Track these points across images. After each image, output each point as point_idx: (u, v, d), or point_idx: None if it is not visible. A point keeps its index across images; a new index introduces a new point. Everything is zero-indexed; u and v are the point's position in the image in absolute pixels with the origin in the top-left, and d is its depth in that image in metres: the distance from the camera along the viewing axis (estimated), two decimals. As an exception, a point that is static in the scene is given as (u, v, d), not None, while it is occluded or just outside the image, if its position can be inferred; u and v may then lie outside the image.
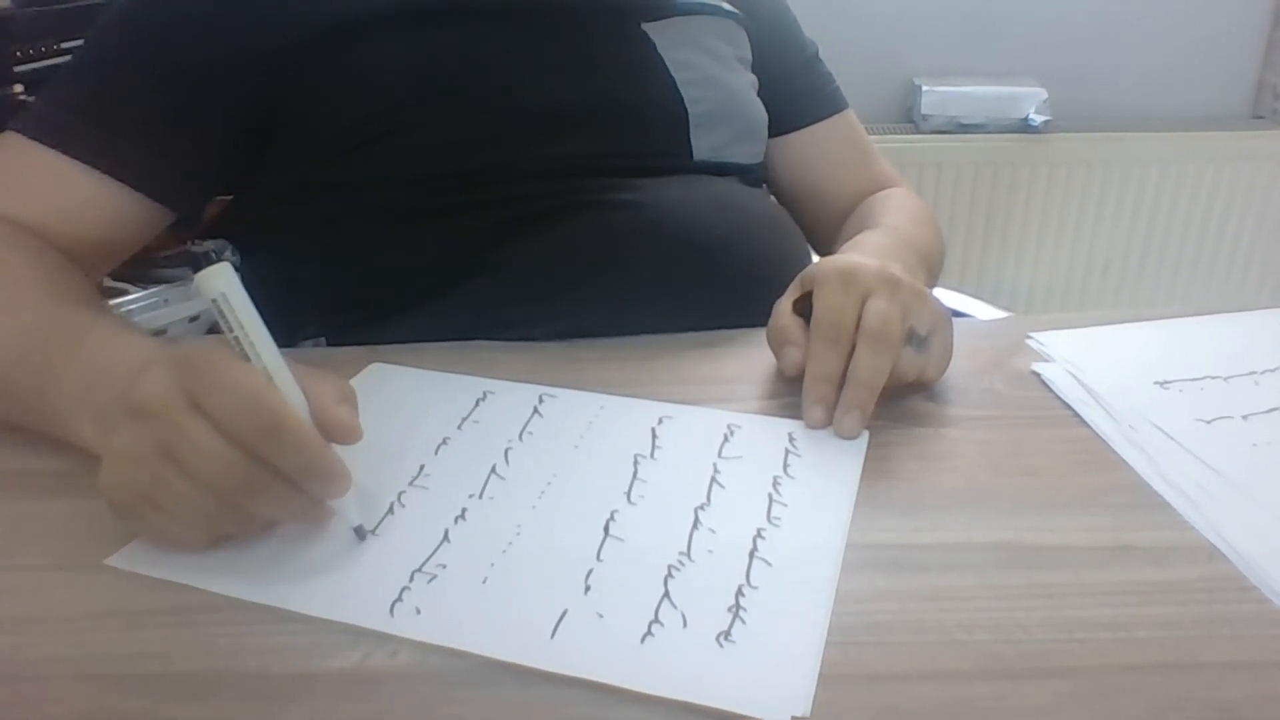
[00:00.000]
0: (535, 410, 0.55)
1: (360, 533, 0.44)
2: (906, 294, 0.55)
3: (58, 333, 0.52)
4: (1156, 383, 0.58)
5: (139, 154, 0.64)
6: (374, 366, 0.60)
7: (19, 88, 1.29)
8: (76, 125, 0.63)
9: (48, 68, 1.35)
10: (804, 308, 0.57)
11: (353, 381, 0.58)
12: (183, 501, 0.40)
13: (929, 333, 0.55)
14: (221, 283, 0.40)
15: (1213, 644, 0.38)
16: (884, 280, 0.55)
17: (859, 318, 0.53)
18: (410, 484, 0.48)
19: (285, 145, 0.69)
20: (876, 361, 0.52)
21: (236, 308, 0.41)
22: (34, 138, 0.63)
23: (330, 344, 0.68)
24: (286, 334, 0.67)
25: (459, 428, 0.53)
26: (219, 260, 0.42)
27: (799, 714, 0.34)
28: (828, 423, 0.53)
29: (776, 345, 0.58)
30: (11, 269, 0.57)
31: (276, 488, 0.40)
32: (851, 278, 0.55)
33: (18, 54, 1.31)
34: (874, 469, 0.50)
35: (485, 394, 0.57)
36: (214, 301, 0.41)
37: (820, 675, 0.36)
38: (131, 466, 0.41)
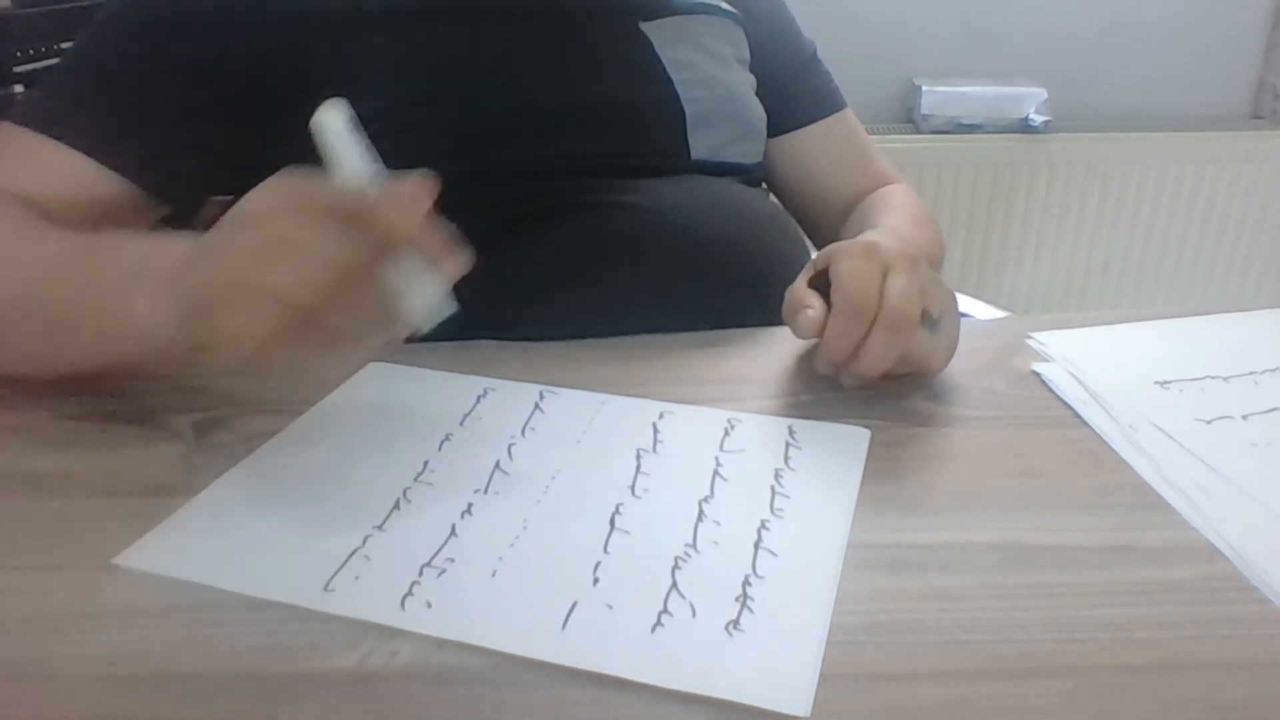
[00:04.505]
0: (537, 406, 0.55)
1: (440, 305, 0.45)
2: (924, 274, 0.55)
3: (98, 244, 0.54)
4: (1156, 383, 0.58)
5: (128, 142, 0.64)
6: (373, 365, 0.60)
7: (19, 88, 1.29)
8: (67, 113, 0.63)
9: (48, 68, 1.36)
10: (819, 284, 0.57)
11: (351, 381, 0.58)
12: (260, 306, 0.42)
13: (940, 316, 0.55)
14: (337, 119, 0.47)
15: (1213, 644, 0.38)
16: (904, 257, 0.55)
17: (880, 292, 0.53)
18: (415, 480, 0.48)
19: (284, 143, 0.69)
20: (893, 343, 0.53)
21: (342, 143, 0.47)
22: (25, 125, 0.63)
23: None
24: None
25: (461, 424, 0.53)
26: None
27: (808, 704, 0.34)
28: (834, 373, 0.56)
29: (792, 311, 0.56)
30: (28, 215, 0.59)
31: (366, 293, 0.43)
32: (873, 251, 0.55)
33: (18, 54, 1.31)
34: (874, 469, 0.50)
35: (486, 390, 0.57)
36: (325, 134, 0.46)
37: (820, 675, 0.36)
38: (237, 262, 0.43)
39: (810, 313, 0.55)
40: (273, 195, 0.46)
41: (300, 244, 0.42)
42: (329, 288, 0.42)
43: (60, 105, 0.64)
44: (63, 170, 0.63)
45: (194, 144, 0.67)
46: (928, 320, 0.55)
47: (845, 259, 0.55)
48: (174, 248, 0.50)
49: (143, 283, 0.50)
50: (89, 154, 0.63)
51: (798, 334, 0.56)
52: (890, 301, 0.52)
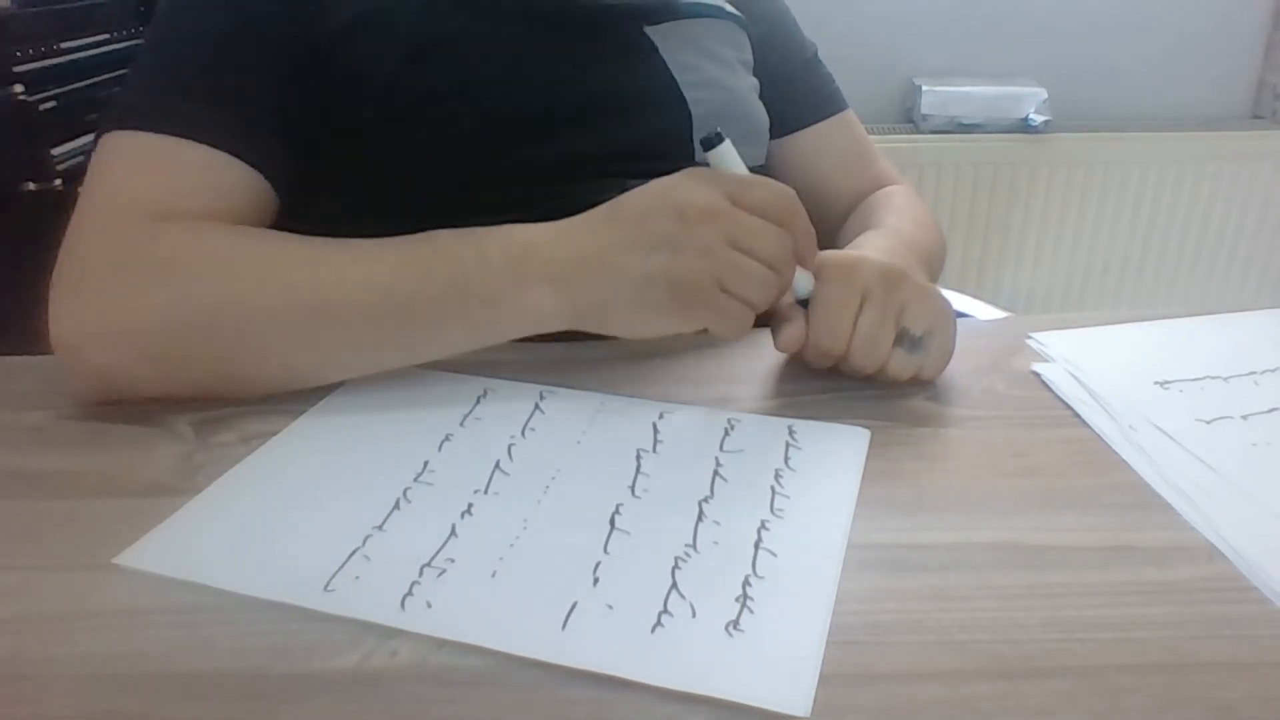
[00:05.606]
0: (537, 407, 0.55)
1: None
2: (907, 292, 0.55)
3: (432, 242, 0.55)
4: (1156, 383, 0.58)
5: (262, 135, 0.62)
6: (374, 366, 0.60)
7: (19, 88, 1.30)
8: (197, 111, 0.60)
9: (48, 68, 1.36)
10: None
11: (351, 381, 0.58)
12: (752, 279, 0.52)
13: (925, 333, 0.55)
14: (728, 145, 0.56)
15: (1213, 644, 0.38)
16: (884, 278, 0.55)
17: (856, 316, 0.54)
18: (415, 480, 0.48)
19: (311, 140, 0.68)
20: (859, 373, 0.57)
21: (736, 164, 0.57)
22: (154, 130, 0.58)
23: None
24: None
25: (461, 424, 0.53)
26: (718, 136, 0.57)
27: (808, 704, 0.34)
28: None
29: (775, 324, 0.58)
30: (240, 227, 0.58)
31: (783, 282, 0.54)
32: (854, 274, 0.55)
33: (18, 54, 1.31)
34: (874, 469, 0.50)
35: (486, 391, 0.57)
36: (721, 157, 0.56)
37: (820, 675, 0.36)
38: (707, 258, 0.51)
39: (789, 328, 0.56)
40: (709, 191, 0.53)
41: (757, 240, 0.52)
42: (780, 254, 0.53)
43: (181, 103, 0.60)
44: (209, 170, 0.59)
45: (294, 126, 0.64)
46: (908, 340, 0.55)
47: (824, 282, 0.55)
48: (545, 236, 0.55)
49: (527, 270, 0.54)
50: (228, 150, 0.59)
51: (778, 348, 0.57)
52: (854, 345, 0.55)
